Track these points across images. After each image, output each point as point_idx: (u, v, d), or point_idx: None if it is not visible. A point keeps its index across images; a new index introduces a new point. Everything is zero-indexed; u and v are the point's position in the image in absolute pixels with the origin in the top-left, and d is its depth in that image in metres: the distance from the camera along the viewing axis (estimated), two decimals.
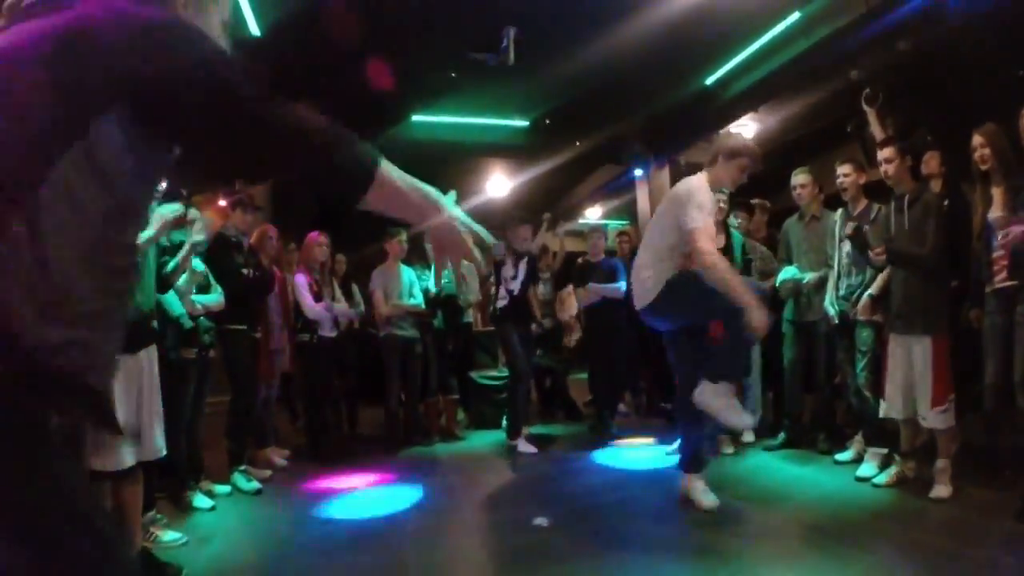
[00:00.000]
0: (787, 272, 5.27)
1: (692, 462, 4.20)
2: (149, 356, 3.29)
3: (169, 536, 3.68)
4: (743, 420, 3.98)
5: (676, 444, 5.57)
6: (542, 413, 7.67)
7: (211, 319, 4.46)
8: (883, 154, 4.43)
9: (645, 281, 4.05)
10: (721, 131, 4.14)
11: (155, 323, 3.35)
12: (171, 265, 3.83)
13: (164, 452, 3.34)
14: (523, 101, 9.26)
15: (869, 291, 4.59)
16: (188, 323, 4.11)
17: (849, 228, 4.51)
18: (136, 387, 3.16)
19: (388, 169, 1.28)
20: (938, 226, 4.17)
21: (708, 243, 3.73)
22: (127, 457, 3.04)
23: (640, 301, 4.10)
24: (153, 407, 3.28)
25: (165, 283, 3.78)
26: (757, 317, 3.52)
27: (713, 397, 3.82)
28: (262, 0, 6.23)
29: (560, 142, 9.90)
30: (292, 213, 9.23)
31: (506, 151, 10.71)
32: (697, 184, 4.04)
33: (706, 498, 4.08)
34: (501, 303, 6.28)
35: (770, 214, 6.23)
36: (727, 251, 5.51)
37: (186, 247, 3.87)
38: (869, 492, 4.29)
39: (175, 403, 4.13)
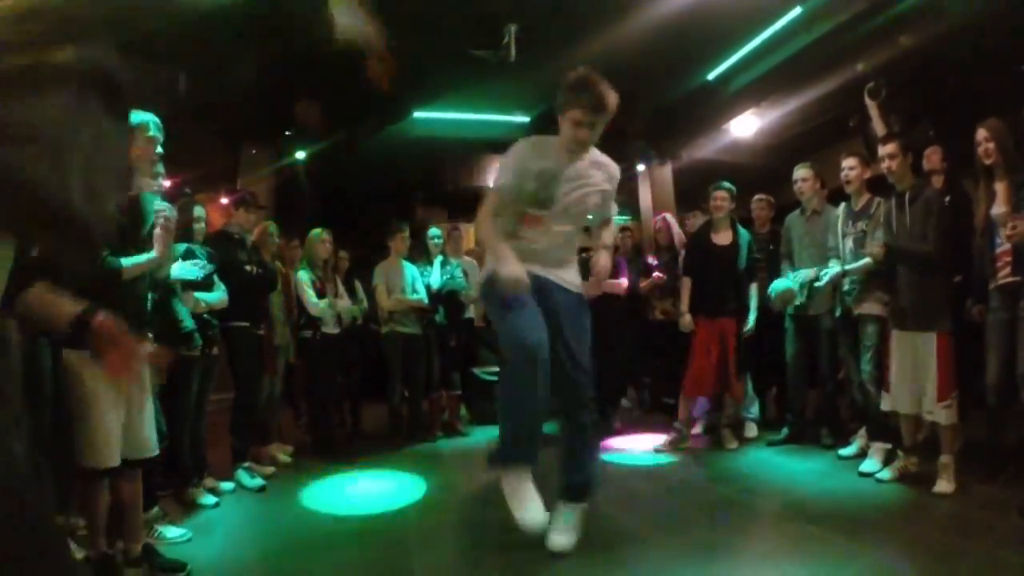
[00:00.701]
0: (778, 284, 5.28)
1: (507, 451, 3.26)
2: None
3: (173, 533, 3.69)
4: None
5: (666, 439, 5.60)
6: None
7: (214, 316, 4.47)
8: (885, 150, 4.42)
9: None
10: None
11: (145, 321, 3.28)
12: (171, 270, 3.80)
13: (155, 452, 3.28)
14: (524, 97, 9.24)
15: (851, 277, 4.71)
16: (189, 324, 4.10)
17: (875, 249, 4.40)
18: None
19: None
20: (940, 223, 4.17)
21: (486, 212, 3.34)
22: (115, 454, 3.01)
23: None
24: (141, 405, 3.19)
25: (157, 283, 3.63)
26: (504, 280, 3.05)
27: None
28: None
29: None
30: (295, 210, 9.25)
31: (507, 147, 10.68)
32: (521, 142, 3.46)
33: (529, 512, 3.17)
34: None
35: (775, 209, 6.22)
36: (734, 248, 5.51)
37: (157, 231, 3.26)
38: (872, 487, 4.30)
39: (179, 401, 4.14)
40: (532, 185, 3.28)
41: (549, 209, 3.31)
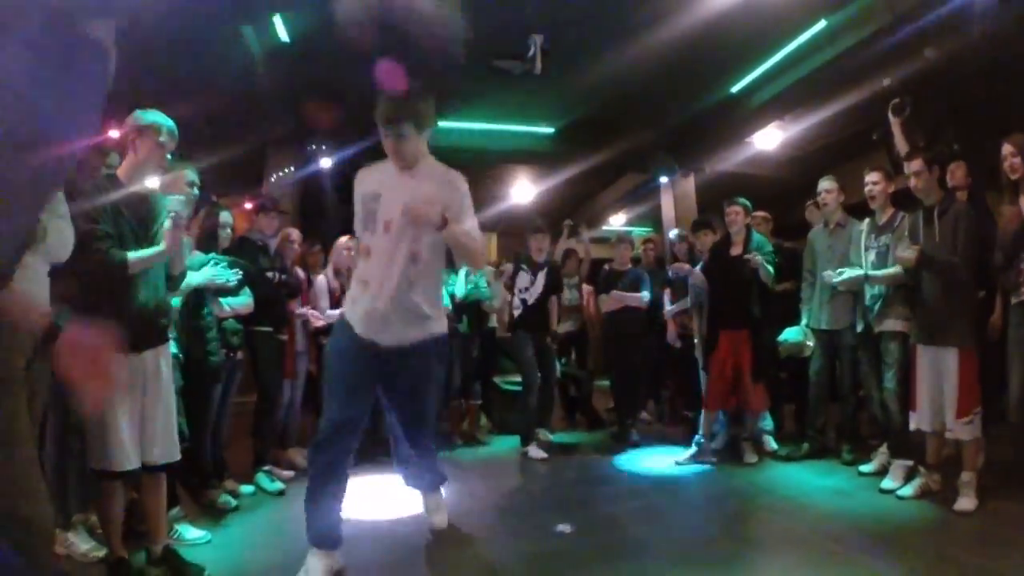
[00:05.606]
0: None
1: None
2: (157, 358, 3.20)
3: (192, 534, 3.73)
4: None
5: (687, 453, 5.57)
6: (565, 420, 7.66)
7: (238, 321, 4.53)
8: (911, 167, 4.39)
9: None
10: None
11: (164, 322, 3.28)
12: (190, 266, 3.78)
13: (176, 458, 3.30)
14: (549, 108, 9.28)
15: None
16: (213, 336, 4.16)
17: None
18: (139, 388, 3.10)
19: None
20: (969, 236, 4.14)
21: None
22: (129, 459, 3.04)
23: None
24: (159, 411, 3.19)
25: (174, 281, 3.47)
26: None
27: None
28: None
29: (585, 149, 9.91)
30: (319, 216, 9.32)
31: (531, 157, 10.74)
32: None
33: None
34: (516, 311, 6.37)
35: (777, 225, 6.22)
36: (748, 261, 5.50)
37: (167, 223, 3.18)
38: (893, 504, 4.25)
39: (203, 403, 4.18)
40: (361, 209, 3.32)
41: (373, 231, 3.25)
